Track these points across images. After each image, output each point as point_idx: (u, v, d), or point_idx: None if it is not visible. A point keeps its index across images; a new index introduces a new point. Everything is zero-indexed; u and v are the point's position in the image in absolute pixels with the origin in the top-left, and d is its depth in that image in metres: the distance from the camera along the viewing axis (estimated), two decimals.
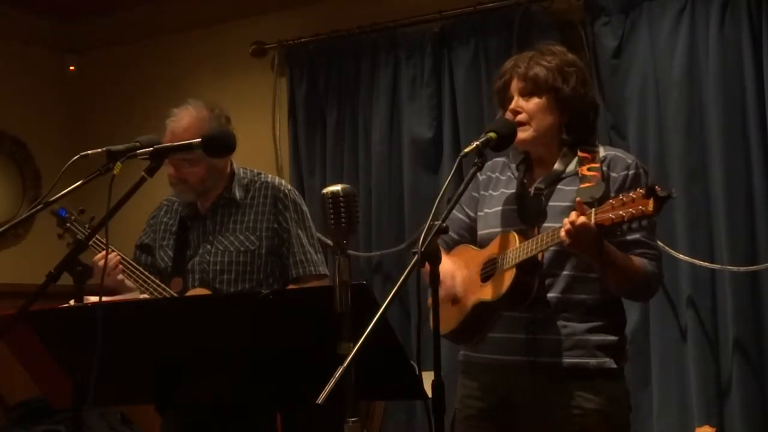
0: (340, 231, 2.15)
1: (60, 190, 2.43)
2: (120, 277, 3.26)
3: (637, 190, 2.37)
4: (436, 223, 2.29)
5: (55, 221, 3.47)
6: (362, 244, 5.05)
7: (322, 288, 2.92)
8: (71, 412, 2.47)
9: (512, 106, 2.75)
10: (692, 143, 4.30)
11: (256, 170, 3.44)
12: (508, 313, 2.68)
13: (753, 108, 4.19)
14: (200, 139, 2.56)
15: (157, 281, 3.29)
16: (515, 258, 2.62)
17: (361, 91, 5.18)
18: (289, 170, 5.36)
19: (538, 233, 2.62)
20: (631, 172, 2.70)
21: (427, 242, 2.26)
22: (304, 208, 3.41)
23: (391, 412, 4.68)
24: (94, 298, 2.52)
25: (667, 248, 4.16)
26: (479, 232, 2.84)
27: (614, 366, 2.69)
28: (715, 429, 3.97)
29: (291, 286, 3.30)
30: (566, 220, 2.47)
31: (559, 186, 2.73)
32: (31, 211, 2.58)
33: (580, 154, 2.71)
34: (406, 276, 2.20)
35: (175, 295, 3.26)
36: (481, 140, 2.53)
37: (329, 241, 3.98)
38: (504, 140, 2.59)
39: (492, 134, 2.56)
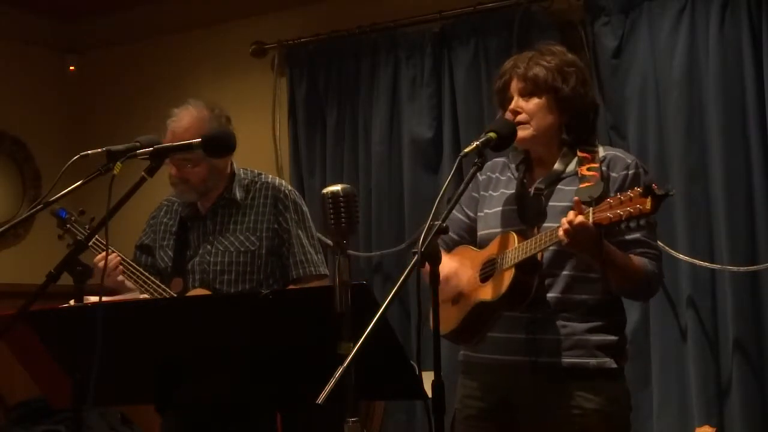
0: (340, 231, 2.15)
1: (60, 190, 2.43)
2: (120, 278, 3.26)
3: (635, 188, 2.38)
4: (436, 223, 2.29)
5: (55, 222, 3.47)
6: (362, 244, 5.05)
7: (322, 288, 2.91)
8: (71, 412, 2.47)
9: (512, 106, 2.75)
10: (692, 143, 4.30)
11: (256, 171, 3.44)
12: (508, 313, 2.68)
13: (753, 108, 4.19)
14: (200, 139, 2.56)
15: (158, 282, 3.29)
16: (514, 258, 2.62)
17: (361, 91, 5.18)
18: (289, 170, 5.36)
19: (538, 233, 2.62)
20: (630, 172, 2.70)
21: (427, 242, 2.26)
22: (305, 208, 3.41)
23: (391, 412, 4.68)
24: (94, 298, 2.52)
25: (667, 248, 4.16)
26: (479, 233, 2.85)
27: (614, 366, 2.69)
28: (715, 429, 3.97)
29: (291, 287, 3.30)
30: (564, 220, 2.47)
31: (558, 186, 2.73)
32: (31, 211, 2.58)
33: (579, 154, 2.71)
34: (406, 276, 2.21)
35: (175, 295, 3.26)
36: (481, 140, 2.53)
37: (329, 241, 3.98)
38: (504, 140, 2.59)
39: (492, 134, 2.56)
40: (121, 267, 3.27)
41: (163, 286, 3.29)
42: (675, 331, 4.33)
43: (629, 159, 2.75)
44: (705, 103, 4.29)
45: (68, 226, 3.45)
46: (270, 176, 3.43)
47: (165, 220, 3.46)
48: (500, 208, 2.80)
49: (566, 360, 2.66)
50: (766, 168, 4.18)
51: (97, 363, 2.27)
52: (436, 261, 2.29)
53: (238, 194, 3.35)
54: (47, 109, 6.02)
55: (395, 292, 2.12)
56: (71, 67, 6.03)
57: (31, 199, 5.78)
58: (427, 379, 2.24)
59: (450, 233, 2.79)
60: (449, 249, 2.86)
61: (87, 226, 3.39)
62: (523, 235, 2.66)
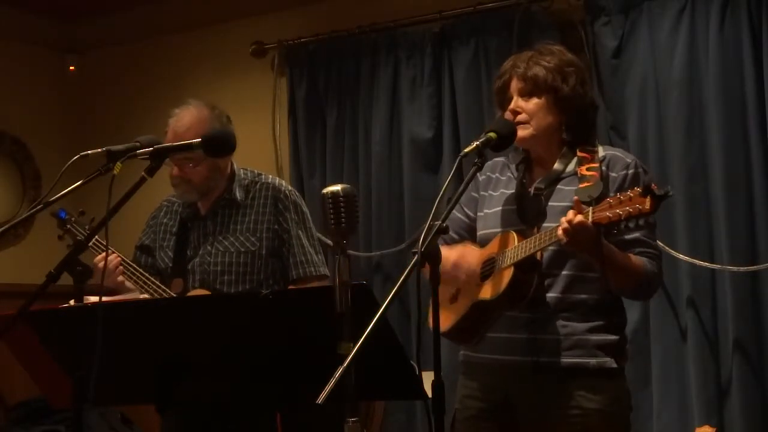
0: (340, 231, 2.15)
1: (60, 190, 2.43)
2: (120, 278, 3.26)
3: (635, 188, 2.38)
4: (436, 223, 2.29)
5: (55, 222, 3.47)
6: (362, 244, 5.05)
7: (322, 288, 2.91)
8: (71, 412, 2.47)
9: (512, 106, 2.75)
10: (692, 143, 4.30)
11: (256, 171, 3.44)
12: (508, 313, 2.68)
13: (753, 108, 4.19)
14: (200, 139, 2.56)
15: (158, 282, 3.29)
16: (514, 257, 2.62)
17: (361, 91, 5.18)
18: (289, 170, 5.36)
19: (538, 233, 2.62)
20: (630, 172, 2.70)
21: (427, 242, 2.26)
22: (305, 209, 3.41)
23: (391, 412, 4.68)
24: (94, 298, 2.52)
25: (667, 248, 4.16)
26: (479, 233, 2.85)
27: (615, 366, 2.69)
28: (715, 429, 3.97)
29: (291, 287, 3.30)
30: (564, 219, 2.47)
31: (558, 186, 2.73)
32: (31, 211, 2.58)
33: (579, 154, 2.72)
34: (406, 276, 2.21)
35: (174, 296, 3.25)
36: (481, 140, 2.53)
37: (329, 241, 3.98)
38: (504, 140, 2.60)
39: (492, 134, 2.56)
40: (121, 267, 3.27)
41: (163, 286, 3.28)
42: (675, 331, 4.33)
43: (629, 159, 2.75)
44: (705, 103, 4.29)
45: (68, 226, 3.45)
46: (270, 176, 3.43)
47: (165, 220, 3.46)
48: (500, 208, 2.80)
49: (566, 360, 2.66)
50: (766, 168, 4.18)
51: (97, 363, 2.28)
52: (436, 261, 2.29)
53: (238, 194, 3.35)
54: (47, 109, 6.02)
55: (395, 292, 2.12)
56: (71, 67, 6.03)
57: (31, 199, 5.77)
58: (427, 379, 2.24)
59: (450, 233, 2.79)
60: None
61: (87, 227, 3.39)
62: (523, 235, 2.66)
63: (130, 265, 3.30)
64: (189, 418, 3.12)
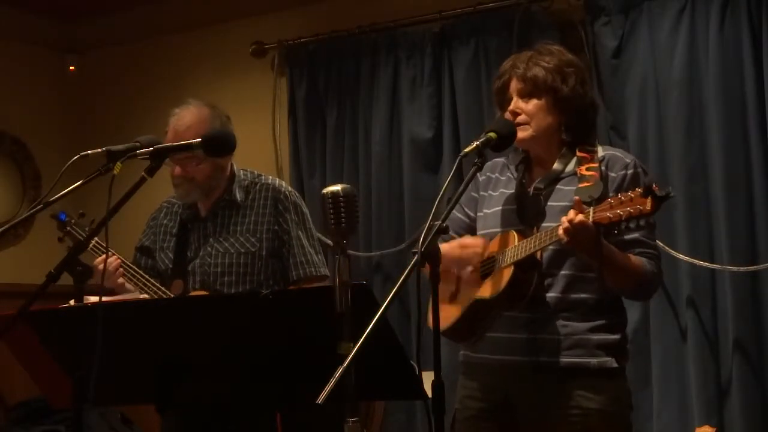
0: (340, 231, 2.15)
1: (60, 190, 2.43)
2: (120, 280, 3.26)
3: (636, 189, 2.38)
4: (436, 223, 2.29)
5: (55, 222, 3.47)
6: (362, 244, 5.05)
7: (322, 288, 2.91)
8: (71, 412, 2.47)
9: (512, 107, 2.75)
10: (692, 143, 4.30)
11: (256, 172, 3.44)
12: (508, 313, 2.69)
13: (753, 108, 4.19)
14: (200, 139, 2.56)
15: (158, 284, 3.29)
16: (513, 256, 2.63)
17: (361, 91, 5.18)
18: (289, 170, 5.36)
19: (537, 233, 2.62)
20: (629, 172, 2.70)
21: (427, 242, 2.26)
22: (305, 209, 3.41)
23: (391, 412, 4.68)
24: (94, 298, 2.52)
25: (667, 248, 4.16)
26: (479, 232, 2.85)
27: (615, 365, 2.69)
28: (715, 429, 3.97)
29: (291, 288, 3.30)
30: (564, 219, 2.48)
31: (558, 186, 2.73)
32: (31, 211, 2.58)
33: (578, 154, 2.72)
34: (406, 276, 2.21)
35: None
36: (481, 140, 2.53)
37: (329, 241, 3.98)
38: (504, 140, 2.60)
39: (492, 134, 2.56)
40: (121, 270, 3.27)
41: (163, 288, 3.28)
42: (675, 331, 4.33)
43: (628, 159, 2.75)
44: (705, 103, 4.29)
45: (68, 228, 3.45)
46: (270, 177, 3.43)
47: (165, 221, 3.46)
48: (499, 208, 2.80)
49: (567, 360, 2.66)
50: (766, 168, 4.18)
51: (97, 363, 2.28)
52: (436, 261, 2.29)
53: (238, 195, 3.35)
54: (47, 109, 6.02)
55: (395, 292, 2.12)
56: (71, 67, 6.03)
57: (31, 199, 5.77)
58: (427, 379, 2.24)
59: (450, 233, 2.79)
60: None
61: (87, 229, 3.38)
62: (523, 235, 2.66)
63: (130, 267, 3.30)
64: (189, 418, 3.12)
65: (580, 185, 2.59)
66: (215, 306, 2.59)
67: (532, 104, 2.74)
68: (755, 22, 4.21)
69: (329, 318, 2.10)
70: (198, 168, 3.26)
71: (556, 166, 2.76)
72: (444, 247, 2.58)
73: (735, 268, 4.13)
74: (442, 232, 2.31)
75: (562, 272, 2.68)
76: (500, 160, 2.91)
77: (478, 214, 2.88)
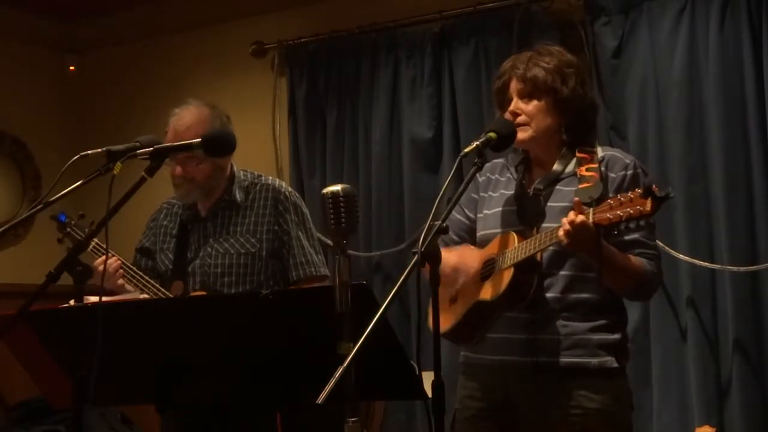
0: (340, 231, 2.15)
1: (60, 190, 2.43)
2: (120, 281, 3.26)
3: (635, 190, 2.38)
4: (436, 223, 2.29)
5: (56, 223, 3.47)
6: (362, 244, 5.05)
7: (322, 288, 2.91)
8: (71, 412, 2.47)
9: (512, 108, 2.75)
10: (692, 143, 4.30)
11: (256, 172, 3.44)
12: (508, 313, 2.68)
13: (753, 108, 4.19)
14: (200, 139, 2.56)
15: (158, 285, 3.29)
16: (514, 258, 2.63)
17: (361, 91, 5.18)
18: (289, 170, 5.36)
19: (537, 233, 2.62)
20: (629, 172, 2.70)
21: (427, 242, 2.26)
22: (305, 210, 3.41)
23: (391, 412, 4.68)
24: (94, 298, 2.52)
25: (667, 248, 4.16)
26: (479, 233, 2.85)
27: (616, 365, 2.69)
28: (715, 429, 3.97)
29: (292, 288, 3.30)
30: (565, 220, 2.47)
31: (557, 187, 2.73)
32: (31, 211, 2.58)
33: (578, 154, 2.71)
34: (406, 276, 2.21)
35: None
36: (481, 140, 2.53)
37: (329, 241, 3.98)
38: (504, 140, 2.60)
39: (492, 134, 2.56)
40: (121, 271, 3.27)
41: (162, 289, 3.28)
42: (675, 331, 4.33)
43: (628, 159, 2.75)
44: (705, 103, 4.29)
45: (68, 230, 3.45)
46: (270, 178, 3.43)
47: (165, 222, 3.46)
48: (499, 209, 2.80)
49: (567, 360, 2.66)
50: (766, 168, 4.18)
51: (97, 363, 2.27)
52: (436, 261, 2.29)
53: (238, 196, 3.35)
54: (47, 109, 6.02)
55: (395, 292, 2.12)
56: (71, 67, 6.03)
57: (31, 199, 5.77)
58: (427, 379, 2.24)
59: (450, 234, 2.79)
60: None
61: (86, 230, 3.38)
62: (523, 236, 2.66)
63: (130, 268, 3.30)
64: (189, 418, 3.12)
65: (580, 186, 2.59)
66: (215, 306, 2.58)
67: (532, 105, 2.74)
68: (755, 22, 4.21)
69: (329, 318, 2.10)
70: (198, 168, 3.26)
71: (556, 166, 2.75)
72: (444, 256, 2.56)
73: (735, 268, 4.13)
74: (442, 232, 2.31)
75: (562, 272, 2.68)
76: (500, 161, 2.91)
77: (478, 215, 2.88)
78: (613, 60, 4.51)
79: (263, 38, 5.43)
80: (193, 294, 3.28)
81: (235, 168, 3.40)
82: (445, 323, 2.72)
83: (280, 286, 3.31)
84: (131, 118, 5.70)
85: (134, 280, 3.28)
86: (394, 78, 5.09)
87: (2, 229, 2.74)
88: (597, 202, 2.46)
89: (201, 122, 3.26)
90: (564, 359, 2.66)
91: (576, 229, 2.45)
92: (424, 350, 2.22)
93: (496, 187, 2.87)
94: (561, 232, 2.48)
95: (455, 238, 2.89)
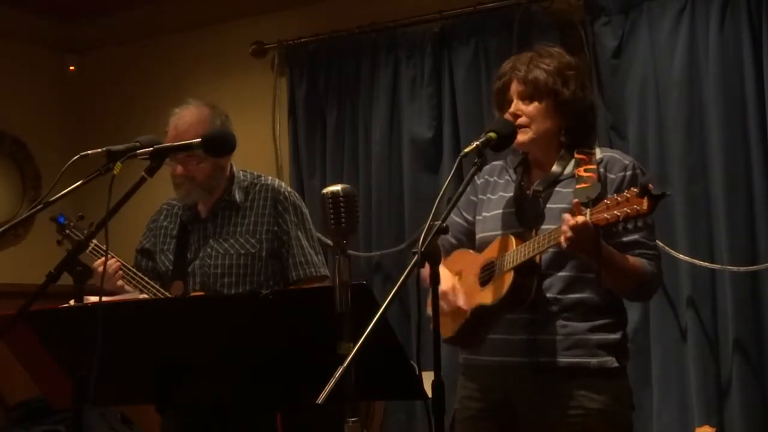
0: (340, 231, 2.14)
1: (60, 190, 2.42)
2: (120, 282, 3.26)
3: (631, 189, 2.38)
4: (436, 223, 2.29)
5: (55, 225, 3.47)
6: (362, 244, 5.05)
7: (322, 288, 2.91)
8: (71, 412, 2.47)
9: (512, 109, 2.75)
10: (692, 143, 4.30)
11: (255, 173, 3.44)
12: (508, 315, 2.68)
13: (753, 108, 4.19)
14: (200, 139, 2.56)
15: (157, 286, 3.29)
16: (513, 261, 2.63)
17: (361, 91, 5.18)
18: (289, 170, 5.36)
19: (536, 235, 2.62)
20: (628, 173, 2.70)
21: (427, 242, 2.26)
22: (304, 210, 3.41)
23: (391, 412, 4.68)
24: (94, 298, 2.52)
25: (667, 248, 4.16)
26: (478, 235, 2.85)
27: (616, 365, 2.69)
28: (715, 429, 3.97)
29: (291, 288, 3.30)
30: (564, 227, 2.47)
31: (557, 188, 2.73)
32: (31, 211, 2.57)
33: (576, 155, 2.71)
34: (406, 276, 2.20)
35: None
36: (481, 140, 2.53)
37: (329, 241, 3.98)
38: (504, 140, 2.59)
39: (492, 134, 2.56)
40: (120, 272, 3.27)
41: (162, 290, 3.28)
42: (675, 331, 4.33)
43: (626, 160, 2.75)
44: (705, 103, 4.29)
45: (67, 231, 3.45)
46: (269, 178, 3.43)
47: (165, 223, 3.46)
48: (498, 211, 2.80)
49: (567, 360, 2.66)
50: (766, 168, 4.18)
51: (97, 363, 2.27)
52: (436, 261, 2.29)
53: (238, 196, 3.35)
54: (47, 109, 6.02)
55: (395, 292, 2.12)
56: (71, 67, 6.03)
57: (31, 199, 5.77)
58: (427, 379, 2.24)
59: (448, 236, 2.79)
60: (447, 253, 2.85)
61: (86, 231, 3.38)
62: (522, 238, 2.66)
63: (130, 269, 3.30)
64: (189, 418, 3.12)
65: (578, 186, 2.59)
66: (215, 306, 2.58)
67: (533, 107, 2.73)
68: (755, 22, 4.21)
69: (329, 318, 2.10)
70: (199, 167, 3.26)
71: (555, 168, 2.75)
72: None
73: (735, 268, 4.13)
74: (442, 232, 2.31)
75: (562, 273, 2.68)
76: (498, 163, 2.92)
77: (477, 217, 2.88)
78: (613, 60, 4.51)
79: (263, 38, 5.43)
80: (192, 294, 3.28)
81: (234, 168, 3.40)
82: (447, 329, 2.72)
83: (280, 286, 3.31)
84: (131, 118, 5.70)
85: (133, 281, 3.28)
86: (394, 78, 5.09)
87: (2, 229, 2.74)
88: (594, 202, 2.46)
89: (201, 122, 3.26)
90: (564, 359, 2.66)
91: (576, 229, 2.45)
92: (424, 350, 2.22)
93: (494, 189, 2.86)
94: (562, 239, 2.48)
95: (453, 241, 2.89)
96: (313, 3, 5.37)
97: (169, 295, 3.27)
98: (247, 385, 2.52)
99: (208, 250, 3.32)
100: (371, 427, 4.22)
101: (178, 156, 3.16)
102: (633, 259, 2.65)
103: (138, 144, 2.45)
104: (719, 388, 4.20)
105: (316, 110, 5.31)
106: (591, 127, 2.82)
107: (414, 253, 2.24)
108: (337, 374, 1.97)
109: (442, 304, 2.57)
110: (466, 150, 2.51)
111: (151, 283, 3.29)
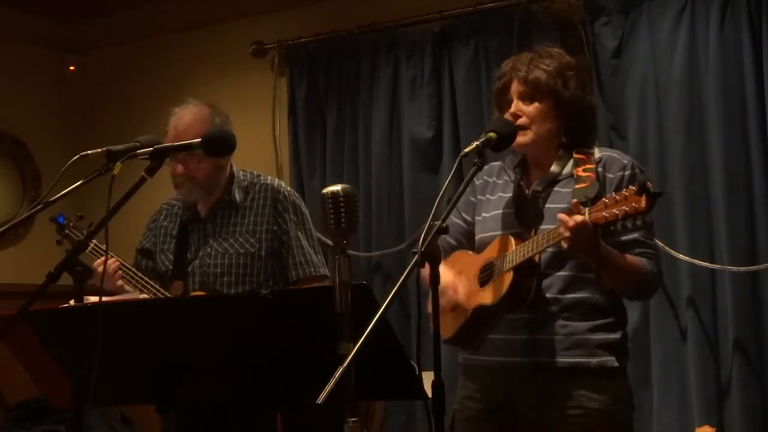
0: (340, 231, 2.14)
1: (60, 190, 2.43)
2: (119, 282, 3.26)
3: (630, 187, 2.38)
4: (436, 223, 2.29)
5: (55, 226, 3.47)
6: (362, 244, 5.05)
7: (322, 288, 2.91)
8: (71, 412, 2.47)
9: (513, 109, 2.75)
10: (692, 143, 4.30)
11: (255, 172, 3.44)
12: (508, 315, 2.68)
13: (753, 108, 4.19)
14: (200, 139, 2.56)
15: (156, 286, 3.29)
16: (512, 261, 2.63)
17: (361, 91, 5.18)
18: (289, 170, 5.36)
19: (536, 235, 2.62)
20: (627, 173, 2.70)
21: (427, 242, 2.26)
22: (304, 209, 3.41)
23: (391, 412, 4.68)
24: (94, 298, 2.52)
25: (667, 248, 4.16)
26: (477, 236, 2.85)
27: (616, 364, 2.69)
28: (715, 429, 3.97)
29: (291, 288, 3.30)
30: (562, 229, 2.47)
31: (555, 188, 2.74)
32: (31, 211, 2.57)
33: (575, 155, 2.72)
34: (406, 276, 2.20)
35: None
36: (481, 140, 2.53)
37: (329, 241, 3.98)
38: (504, 140, 2.60)
39: (492, 134, 2.56)
40: (120, 272, 3.27)
41: (162, 290, 3.28)
42: (675, 331, 4.33)
43: (625, 160, 2.75)
44: (705, 103, 4.29)
45: (67, 231, 3.45)
46: (269, 178, 3.43)
47: (165, 223, 3.46)
48: (497, 212, 2.80)
49: (567, 359, 2.66)
50: (766, 168, 4.18)
51: (97, 363, 2.27)
52: (436, 261, 2.29)
53: (237, 196, 3.35)
54: (47, 109, 6.02)
55: (395, 292, 2.11)
56: (71, 67, 6.03)
57: (31, 199, 5.77)
58: (427, 379, 2.24)
59: (447, 237, 2.79)
60: (446, 254, 2.85)
61: (85, 231, 3.38)
62: (521, 238, 2.67)
63: (129, 269, 3.30)
64: (189, 418, 3.12)
65: (576, 186, 2.60)
66: (215, 306, 2.58)
67: (533, 107, 2.74)
68: (755, 22, 4.21)
69: (329, 318, 2.10)
70: (199, 166, 3.27)
71: (554, 168, 2.75)
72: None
73: (735, 268, 4.13)
74: (442, 232, 2.31)
75: (561, 273, 2.68)
76: (497, 164, 2.92)
77: (476, 218, 2.88)
78: (613, 60, 4.51)
79: (263, 38, 5.43)
80: (192, 294, 3.28)
81: (234, 168, 3.40)
82: (447, 330, 2.72)
83: (280, 286, 3.31)
84: (131, 118, 5.70)
85: (133, 281, 3.28)
86: (394, 78, 5.09)
87: (2, 229, 2.74)
88: (593, 201, 2.47)
89: (201, 121, 3.26)
90: (564, 359, 2.66)
91: (575, 229, 2.45)
92: (424, 350, 2.22)
93: (493, 190, 2.87)
94: (563, 244, 2.48)
95: (453, 242, 2.89)
96: (313, 3, 5.37)
97: (169, 295, 3.27)
98: (247, 385, 2.52)
99: (208, 249, 3.32)
100: (371, 427, 4.22)
101: (178, 155, 3.16)
102: (632, 258, 2.65)
103: (138, 144, 2.45)
104: (719, 388, 4.20)
105: (316, 110, 5.31)
106: (591, 128, 2.82)
107: (414, 253, 2.24)
108: (337, 374, 1.97)
109: (442, 301, 2.58)
110: (466, 150, 2.51)
111: (151, 282, 3.29)
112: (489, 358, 2.75)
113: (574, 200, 2.50)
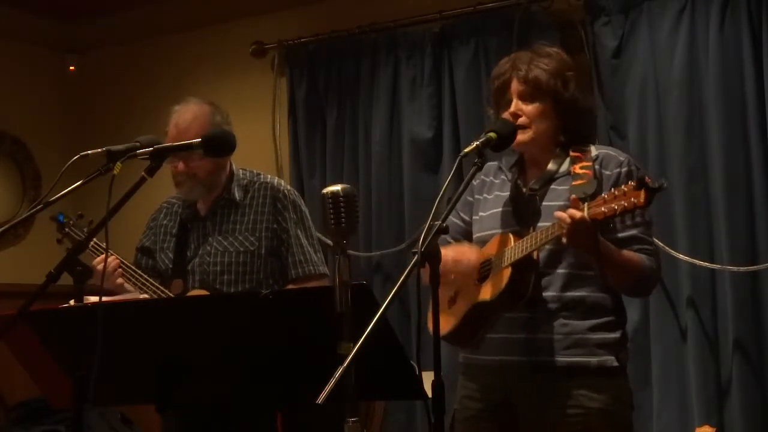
0: (340, 231, 2.15)
1: (60, 190, 2.43)
2: (119, 281, 3.26)
3: (629, 183, 2.38)
4: (436, 223, 2.29)
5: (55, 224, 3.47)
6: (362, 244, 5.05)
7: (322, 288, 2.92)
8: (71, 412, 2.47)
9: (512, 109, 2.75)
10: (692, 143, 4.30)
11: (255, 171, 3.44)
12: (508, 313, 2.68)
13: (753, 108, 4.19)
14: (200, 139, 2.56)
15: (157, 284, 3.29)
16: (511, 257, 2.63)
17: (361, 91, 5.18)
18: (289, 170, 5.36)
19: (533, 233, 2.63)
20: (623, 170, 2.70)
21: (427, 242, 2.26)
22: (304, 208, 3.41)
23: (391, 412, 4.68)
24: (94, 298, 2.52)
25: (667, 248, 4.16)
26: (475, 235, 2.85)
27: (616, 364, 2.69)
28: (715, 429, 3.97)
29: (290, 287, 3.30)
30: (560, 221, 2.47)
31: (552, 186, 2.74)
32: (31, 211, 2.57)
33: (572, 153, 2.73)
34: (406, 276, 2.20)
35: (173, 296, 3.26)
36: (481, 140, 2.54)
37: (329, 241, 3.98)
38: (504, 140, 2.60)
39: (492, 134, 2.56)
40: (120, 270, 3.27)
41: (162, 288, 3.28)
42: (675, 331, 4.33)
43: (622, 157, 2.76)
44: (705, 103, 4.29)
45: (67, 230, 3.45)
46: (269, 176, 3.43)
47: (165, 222, 3.46)
48: (495, 210, 2.81)
49: (567, 359, 2.66)
50: (766, 168, 4.18)
51: (97, 363, 2.27)
52: (436, 261, 2.29)
53: (237, 194, 3.35)
54: (47, 109, 6.02)
55: (395, 292, 2.12)
56: (71, 67, 6.03)
57: (31, 199, 5.77)
58: (427, 379, 2.24)
59: (446, 237, 2.79)
60: None
61: (85, 230, 3.38)
62: (519, 236, 2.67)
63: (129, 267, 3.30)
64: (189, 418, 3.12)
65: (574, 183, 2.60)
66: (215, 306, 2.59)
67: (533, 107, 2.74)
68: (755, 22, 4.22)
69: (329, 318, 2.10)
70: (200, 164, 3.27)
71: (551, 166, 2.76)
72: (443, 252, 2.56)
73: (735, 268, 4.13)
74: (442, 232, 2.31)
75: (560, 270, 2.68)
76: (493, 163, 2.92)
77: (474, 217, 2.88)
78: (613, 60, 4.51)
79: (263, 38, 5.43)
80: (192, 292, 3.28)
81: (234, 167, 3.40)
82: (445, 325, 2.72)
83: (279, 284, 3.31)
84: (131, 118, 5.70)
85: (133, 279, 3.28)
86: (394, 78, 5.09)
87: (2, 229, 2.74)
88: (591, 198, 2.47)
89: (202, 119, 3.27)
90: (564, 358, 2.66)
91: (573, 225, 2.45)
92: (424, 350, 2.22)
93: (490, 189, 2.87)
94: (564, 240, 2.48)
95: (452, 241, 2.89)
96: (313, 3, 5.37)
97: (169, 293, 3.27)
98: (247, 385, 2.53)
99: (208, 247, 3.32)
100: (371, 427, 4.22)
101: (178, 153, 3.16)
102: (631, 254, 2.65)
103: (138, 144, 2.45)
104: (719, 388, 4.20)
105: (316, 110, 5.31)
106: (590, 127, 2.83)
107: (414, 253, 2.24)
108: (337, 374, 1.97)
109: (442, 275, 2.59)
110: (466, 150, 2.51)
111: (151, 281, 3.29)
112: (489, 357, 2.75)
113: (573, 196, 2.50)
